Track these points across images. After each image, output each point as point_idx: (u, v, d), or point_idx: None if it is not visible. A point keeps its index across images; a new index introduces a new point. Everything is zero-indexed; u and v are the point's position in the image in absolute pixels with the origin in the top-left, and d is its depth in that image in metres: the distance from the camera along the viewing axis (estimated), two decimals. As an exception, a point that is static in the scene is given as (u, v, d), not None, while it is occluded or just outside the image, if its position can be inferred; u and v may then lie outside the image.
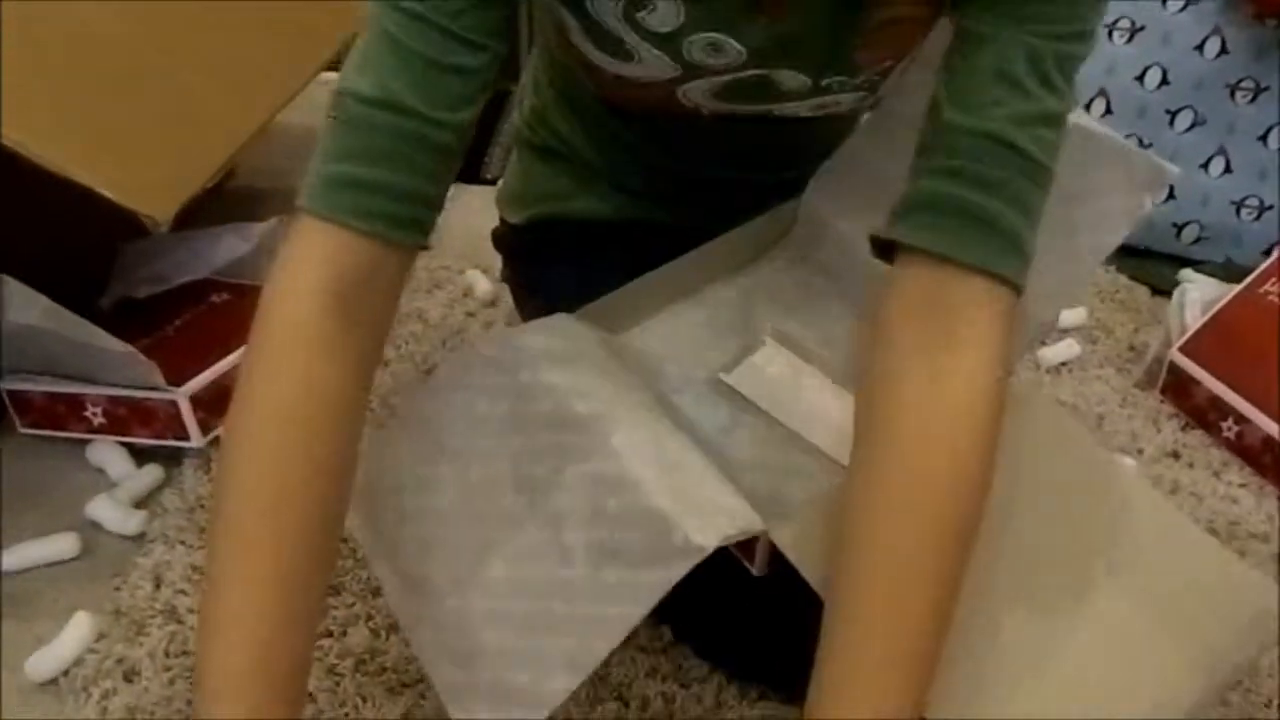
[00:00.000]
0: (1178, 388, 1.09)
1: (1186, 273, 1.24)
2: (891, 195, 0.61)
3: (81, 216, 0.98)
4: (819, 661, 0.56)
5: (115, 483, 1.01)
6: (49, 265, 0.95)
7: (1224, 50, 1.25)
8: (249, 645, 0.56)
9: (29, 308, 0.91)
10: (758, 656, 0.81)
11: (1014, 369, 0.62)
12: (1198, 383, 1.07)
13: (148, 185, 0.94)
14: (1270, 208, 1.28)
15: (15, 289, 0.90)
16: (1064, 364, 1.18)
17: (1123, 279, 1.33)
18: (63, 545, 0.94)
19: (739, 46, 0.67)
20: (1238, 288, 1.09)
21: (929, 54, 0.69)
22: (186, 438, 1.00)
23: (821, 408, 0.73)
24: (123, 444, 1.03)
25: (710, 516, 0.58)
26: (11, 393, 1.03)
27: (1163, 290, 1.27)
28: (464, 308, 1.23)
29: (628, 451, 0.61)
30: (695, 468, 0.63)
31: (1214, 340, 1.07)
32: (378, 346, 0.65)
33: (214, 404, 1.01)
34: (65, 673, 0.83)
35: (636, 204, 0.89)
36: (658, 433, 0.65)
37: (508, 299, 1.12)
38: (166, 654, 0.85)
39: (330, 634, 0.86)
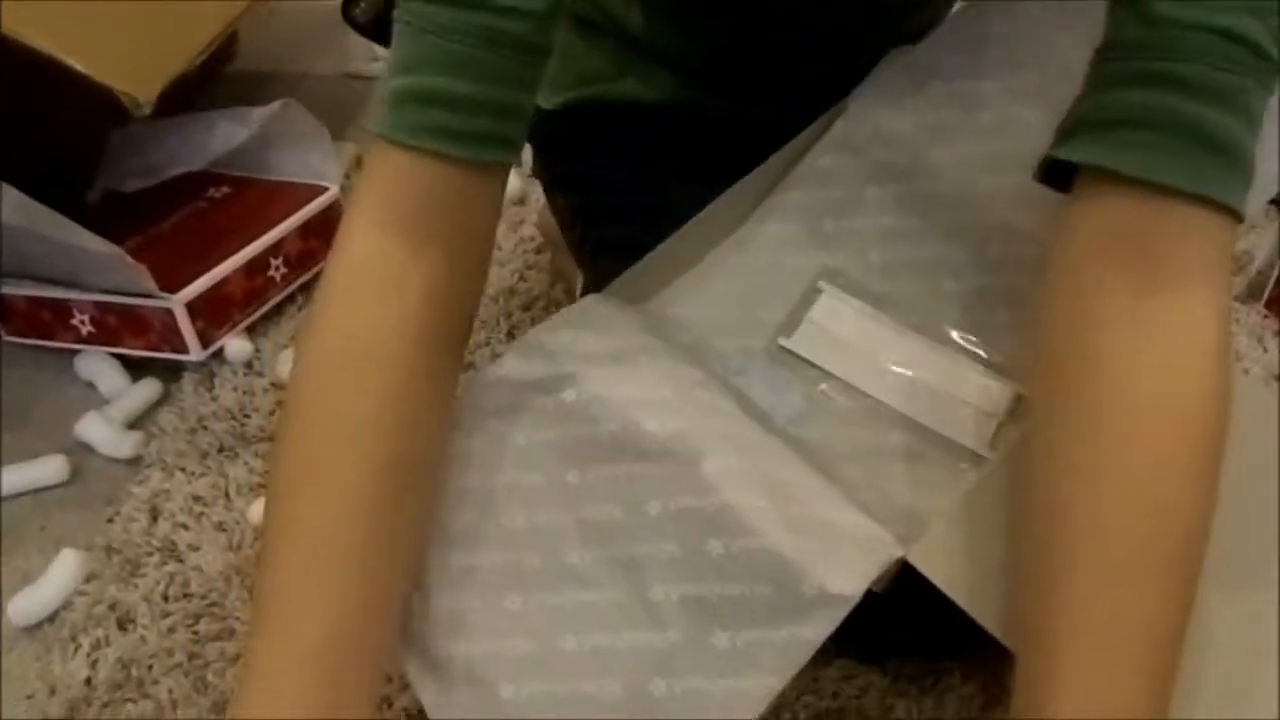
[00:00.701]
0: (1290, 303, 0.97)
1: (1301, 173, 1.11)
2: (963, 96, 0.50)
3: (64, 105, 0.86)
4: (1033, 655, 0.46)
5: (107, 399, 0.90)
6: (28, 157, 0.84)
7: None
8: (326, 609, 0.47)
9: (-1, 203, 0.80)
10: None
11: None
12: (1314, 297, 0.95)
13: (130, 64, 0.82)
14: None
15: (-18, 182, 0.79)
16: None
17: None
18: (50, 469, 0.85)
19: None
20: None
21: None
22: (185, 350, 0.89)
23: (903, 363, 0.61)
24: (115, 356, 0.92)
25: (843, 553, 0.47)
26: (-8, 296, 0.93)
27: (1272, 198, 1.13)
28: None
29: (725, 479, 0.49)
30: (806, 487, 0.51)
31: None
32: (468, 276, 0.55)
33: (215, 313, 0.90)
34: (51, 618, 0.75)
35: (695, 86, 0.76)
36: (750, 446, 0.52)
37: (538, 195, 1.00)
38: (165, 598, 0.75)
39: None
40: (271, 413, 0.87)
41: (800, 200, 0.64)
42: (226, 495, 0.82)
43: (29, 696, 0.71)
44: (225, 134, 0.99)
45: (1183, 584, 0.44)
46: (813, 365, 0.61)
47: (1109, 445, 0.45)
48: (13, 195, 0.79)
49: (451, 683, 0.51)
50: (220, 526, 0.80)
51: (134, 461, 0.86)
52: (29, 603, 0.75)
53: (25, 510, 0.83)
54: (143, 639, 0.73)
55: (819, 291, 0.62)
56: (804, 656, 0.46)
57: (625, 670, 0.48)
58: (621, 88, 0.78)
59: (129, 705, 0.69)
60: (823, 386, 0.60)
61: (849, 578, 0.46)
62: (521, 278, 0.98)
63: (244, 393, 0.89)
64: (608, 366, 0.55)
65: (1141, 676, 0.43)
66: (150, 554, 0.78)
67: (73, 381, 0.93)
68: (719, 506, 0.48)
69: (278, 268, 0.94)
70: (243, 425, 0.86)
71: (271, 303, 0.95)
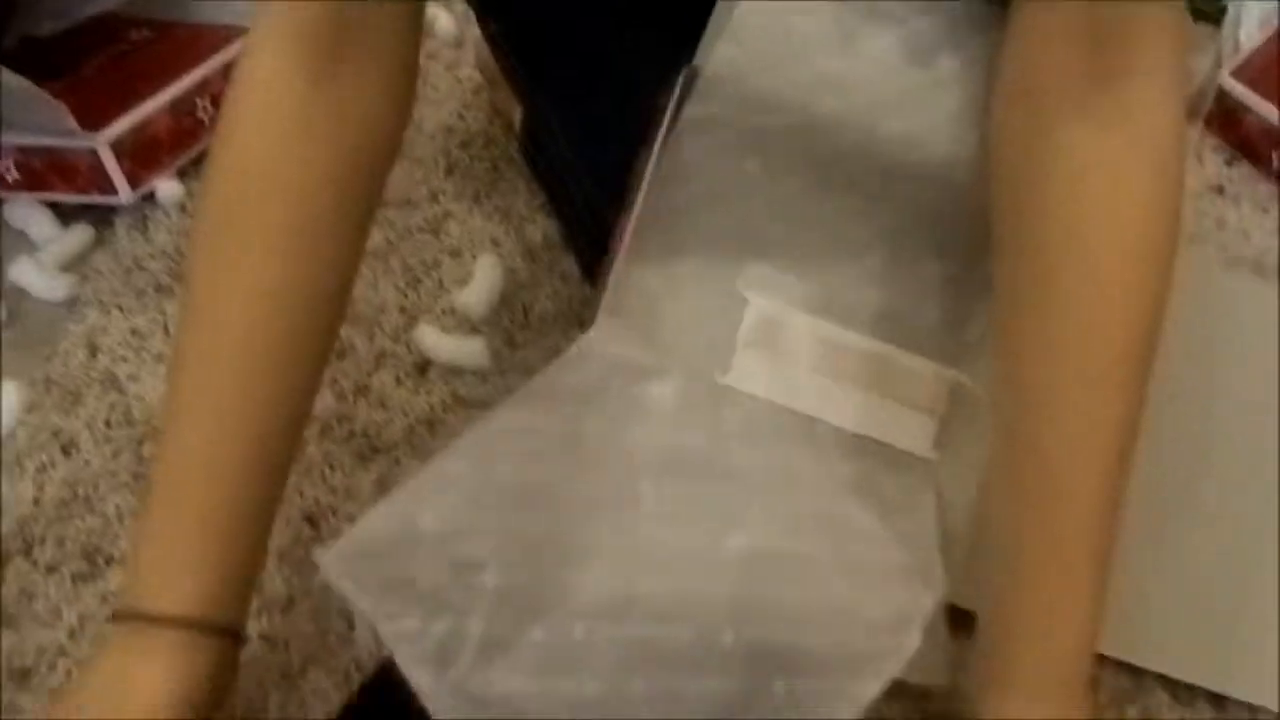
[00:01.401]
0: (1225, 117, 0.99)
1: (1244, -11, 1.11)
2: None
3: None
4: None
5: (38, 246, 0.89)
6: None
7: None
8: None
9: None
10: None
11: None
12: (1248, 110, 0.96)
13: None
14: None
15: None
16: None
17: None
18: (-17, 313, 0.84)
19: None
20: (1299, 4, 0.97)
21: None
22: (114, 192, 0.88)
23: (840, 374, 0.58)
24: (46, 203, 0.90)
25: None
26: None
27: (1208, 16, 1.14)
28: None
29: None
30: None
31: (1270, 64, 0.96)
32: (385, 104, 0.54)
33: (141, 154, 0.88)
34: (-6, 447, 0.75)
35: None
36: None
37: (477, 36, 0.98)
38: (107, 424, 0.75)
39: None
40: (207, 250, 0.86)
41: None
42: (165, 330, 0.81)
43: (-25, 519, 0.71)
44: (142, -26, 0.96)
45: (1133, 383, 0.45)
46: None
47: (1066, 252, 0.45)
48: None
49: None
50: (160, 359, 0.79)
51: (70, 303, 0.85)
52: (-30, 433, 0.74)
53: (-39, 353, 0.82)
54: (87, 463, 0.73)
55: (745, 302, 0.58)
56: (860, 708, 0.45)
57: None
58: None
59: (77, 521, 0.70)
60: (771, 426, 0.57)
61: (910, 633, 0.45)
62: (460, 116, 0.97)
63: (178, 234, 0.88)
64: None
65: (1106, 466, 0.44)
66: (90, 385, 0.78)
67: (4, 230, 0.91)
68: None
69: (205, 109, 0.92)
70: (178, 264, 0.86)
71: (201, 145, 0.93)
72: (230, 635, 0.51)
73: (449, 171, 0.92)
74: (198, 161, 0.93)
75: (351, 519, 0.69)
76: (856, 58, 0.53)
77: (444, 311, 0.81)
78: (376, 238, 0.83)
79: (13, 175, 0.89)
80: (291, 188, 0.51)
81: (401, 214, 0.87)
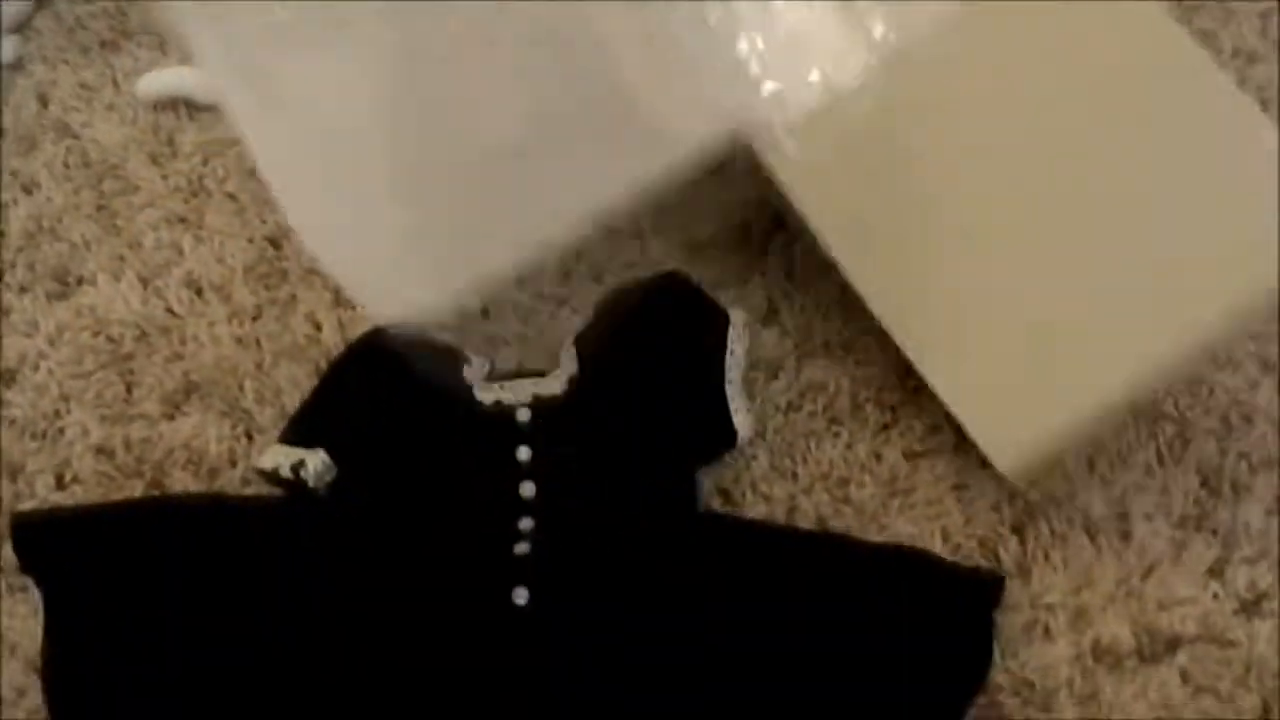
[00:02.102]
0: None
1: None
2: None
3: None
4: None
5: (-23, 13, 0.89)
6: None
7: None
8: None
9: None
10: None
11: None
12: None
13: None
14: None
15: None
16: None
17: None
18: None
19: None
20: None
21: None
22: (50, -46, 0.87)
23: None
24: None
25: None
26: None
27: None
28: None
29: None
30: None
31: None
32: None
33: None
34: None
35: None
36: None
37: None
38: (66, 165, 0.77)
39: (245, 141, 0.79)
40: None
41: None
42: (114, 83, 0.83)
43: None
44: None
45: None
46: None
47: None
48: None
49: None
50: (111, 109, 0.81)
51: (15, 65, 0.85)
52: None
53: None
54: (49, 199, 0.75)
55: None
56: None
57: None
58: None
59: (45, 248, 0.73)
60: None
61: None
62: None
63: (119, -6, 0.88)
64: None
65: None
66: (45, 132, 0.79)
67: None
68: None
69: None
70: (123, 20, 0.86)
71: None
72: None
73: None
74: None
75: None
76: None
77: None
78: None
79: (-56, -60, 0.88)
80: None
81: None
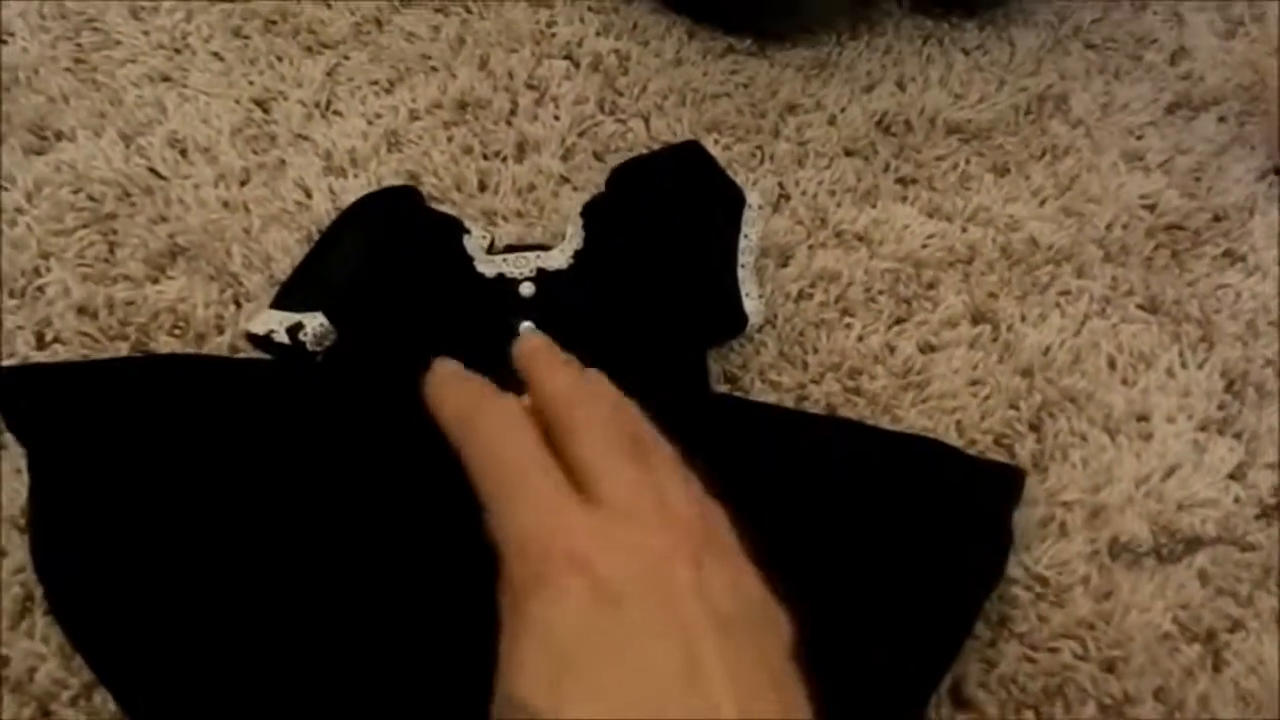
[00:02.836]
0: None
1: None
2: None
3: None
4: None
5: None
6: None
7: None
8: None
9: None
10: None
11: None
12: None
13: None
14: None
15: None
16: None
17: None
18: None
19: None
20: None
21: None
22: None
23: None
24: None
25: None
26: None
27: None
28: None
29: None
30: None
31: None
32: None
33: None
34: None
35: None
36: None
37: None
38: (41, 16, 0.73)
39: (233, -2, 0.75)
40: None
41: None
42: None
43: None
44: None
45: None
46: None
47: None
48: None
49: None
50: (90, -42, 0.76)
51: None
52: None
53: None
54: (25, 49, 0.71)
55: None
56: None
57: None
58: None
59: (21, 100, 0.68)
60: None
61: None
62: None
63: None
64: None
65: None
66: (18, -19, 0.74)
67: None
68: None
69: None
70: None
71: None
72: None
73: None
74: None
75: (302, 103, 0.69)
76: None
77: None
78: None
79: None
80: None
81: None
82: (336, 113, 0.70)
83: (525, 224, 0.65)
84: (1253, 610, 0.51)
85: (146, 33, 0.73)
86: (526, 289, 0.58)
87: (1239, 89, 0.74)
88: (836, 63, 0.74)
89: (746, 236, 0.60)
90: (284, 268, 0.61)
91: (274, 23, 0.74)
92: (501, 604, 0.33)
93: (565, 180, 0.67)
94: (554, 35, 0.74)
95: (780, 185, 0.67)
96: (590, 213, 0.61)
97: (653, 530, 0.33)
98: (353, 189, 0.65)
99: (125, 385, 0.54)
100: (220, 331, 0.59)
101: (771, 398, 0.58)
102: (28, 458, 0.52)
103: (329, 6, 0.75)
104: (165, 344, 0.59)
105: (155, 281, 0.61)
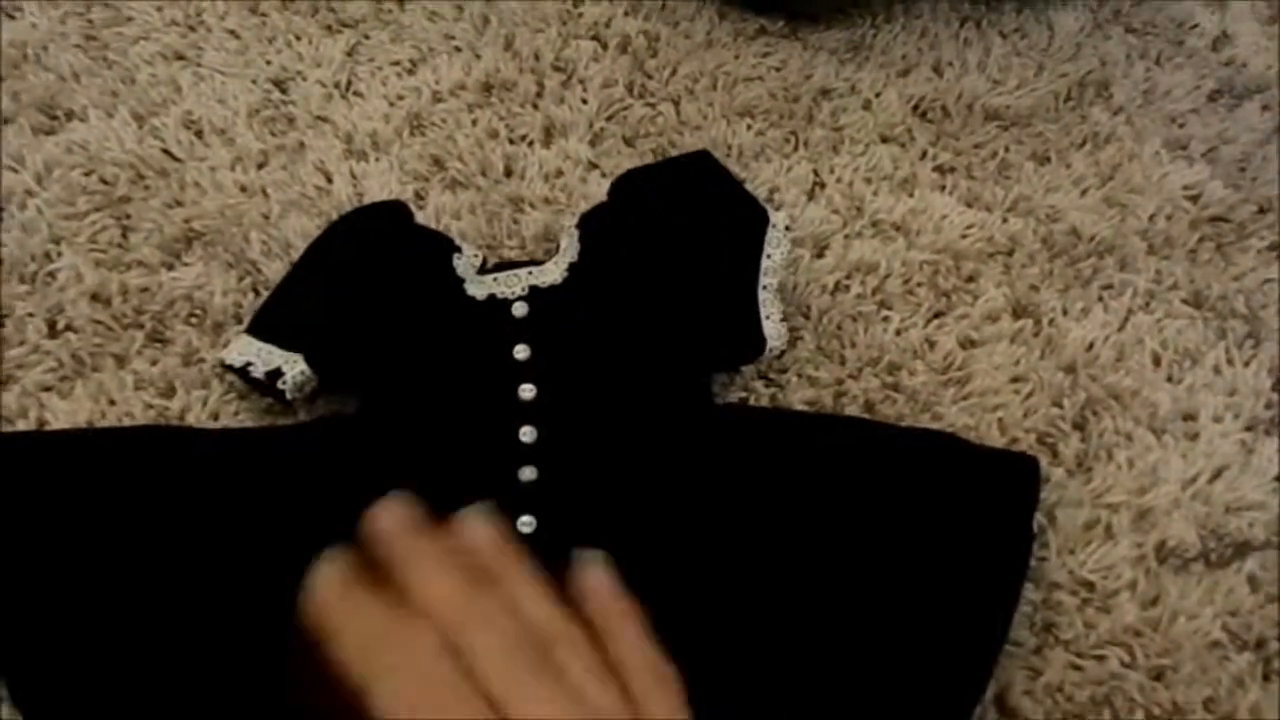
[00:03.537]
0: None
1: None
2: None
3: None
4: None
5: None
6: None
7: None
8: None
9: None
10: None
11: None
12: None
13: None
14: None
15: None
16: None
17: None
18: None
19: None
20: None
21: None
22: None
23: None
24: None
25: None
26: None
27: None
28: None
29: None
30: None
31: None
32: None
33: None
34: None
35: None
36: None
37: None
38: (51, -10, 0.71)
39: (249, -27, 0.72)
40: None
41: None
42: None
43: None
44: None
45: None
46: None
47: None
48: None
49: None
50: (102, -69, 0.74)
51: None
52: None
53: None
54: (34, 25, 0.69)
55: None
56: None
57: None
58: None
59: (30, 78, 0.66)
60: None
61: None
62: None
63: None
64: None
65: None
66: (26, -47, 0.72)
67: None
68: None
69: None
70: None
71: None
72: None
73: None
74: None
75: (322, 84, 0.67)
76: None
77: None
78: None
79: None
80: None
81: None
82: (357, 94, 0.68)
83: (553, 211, 0.63)
84: (1307, 619, 0.50)
85: (160, 9, 0.71)
86: (519, 309, 0.55)
87: (1282, 76, 0.72)
88: (871, 45, 0.72)
89: (769, 257, 0.57)
90: (304, 255, 0.60)
91: (292, 0, 0.72)
92: None
93: (594, 166, 0.65)
94: (581, 15, 0.72)
95: (815, 173, 0.65)
96: (588, 224, 0.57)
97: None
98: (374, 173, 0.64)
99: (88, 460, 0.50)
100: (238, 320, 0.57)
101: (809, 394, 0.56)
102: None
103: (348, -17, 0.73)
104: (182, 333, 0.57)
105: (170, 268, 0.60)
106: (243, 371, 0.54)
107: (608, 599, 0.36)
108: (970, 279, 0.60)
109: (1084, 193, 0.65)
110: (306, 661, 0.34)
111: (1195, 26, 0.75)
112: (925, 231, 0.62)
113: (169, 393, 0.55)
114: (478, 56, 0.70)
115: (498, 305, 0.55)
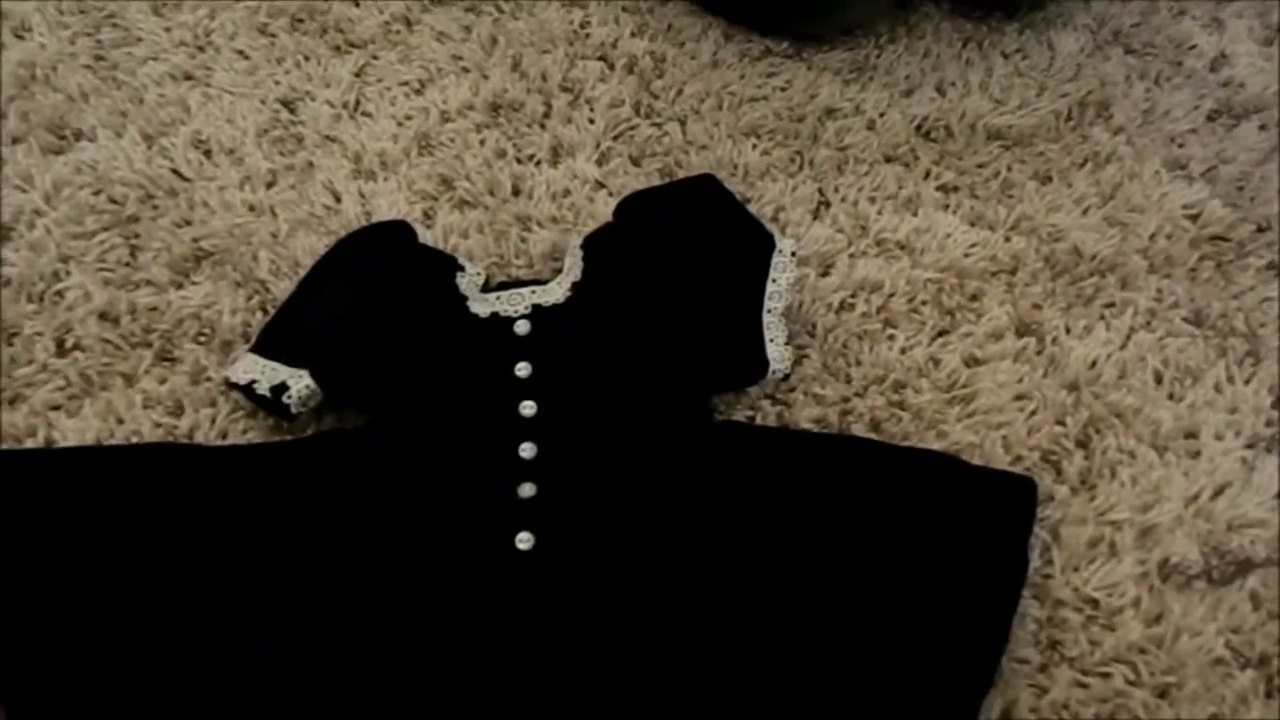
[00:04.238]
0: None
1: None
2: None
3: None
4: None
5: None
6: None
7: None
8: None
9: None
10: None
11: None
12: None
13: None
14: None
15: None
16: None
17: None
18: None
19: None
20: None
21: None
22: None
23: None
24: None
25: None
26: None
27: None
28: None
29: None
30: None
31: None
32: None
33: None
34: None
35: None
36: None
37: None
38: (59, 11, 0.71)
39: (257, -6, 0.73)
40: None
41: None
42: (113, -76, 0.76)
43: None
44: None
45: None
46: None
47: None
48: None
49: None
50: (110, -49, 0.74)
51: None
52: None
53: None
54: (42, 46, 0.70)
55: None
56: None
57: None
58: None
59: (39, 98, 0.67)
60: None
61: None
62: None
63: None
64: None
65: None
66: (37, -27, 0.73)
67: None
68: None
69: None
70: None
71: None
72: None
73: None
74: None
75: (330, 104, 0.68)
76: None
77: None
78: None
79: None
80: None
81: None
82: (365, 114, 0.68)
83: (561, 230, 0.63)
84: (1310, 636, 0.50)
85: (168, 29, 0.71)
86: (522, 327, 0.55)
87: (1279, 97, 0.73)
88: (875, 66, 0.72)
89: (775, 282, 0.57)
90: (313, 273, 0.60)
91: (301, 21, 0.72)
92: None
93: (601, 185, 0.65)
94: (588, 36, 0.73)
95: (820, 192, 0.66)
96: (592, 245, 0.58)
97: None
98: (383, 192, 0.64)
99: (94, 477, 0.51)
100: (247, 339, 0.58)
101: (816, 412, 0.56)
102: None
103: (357, 5, 0.74)
104: (191, 352, 0.57)
105: (179, 287, 0.60)
106: (247, 389, 0.54)
107: None
108: (974, 297, 0.61)
109: (1085, 212, 0.65)
110: None
111: (1194, 47, 0.75)
112: (929, 250, 0.63)
113: (177, 411, 0.55)
114: (485, 77, 0.70)
115: (500, 323, 0.56)
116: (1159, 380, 0.58)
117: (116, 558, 0.48)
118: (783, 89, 0.71)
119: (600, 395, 0.54)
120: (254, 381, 0.54)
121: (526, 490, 0.50)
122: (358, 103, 0.69)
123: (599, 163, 0.67)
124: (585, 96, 0.70)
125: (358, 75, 0.70)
